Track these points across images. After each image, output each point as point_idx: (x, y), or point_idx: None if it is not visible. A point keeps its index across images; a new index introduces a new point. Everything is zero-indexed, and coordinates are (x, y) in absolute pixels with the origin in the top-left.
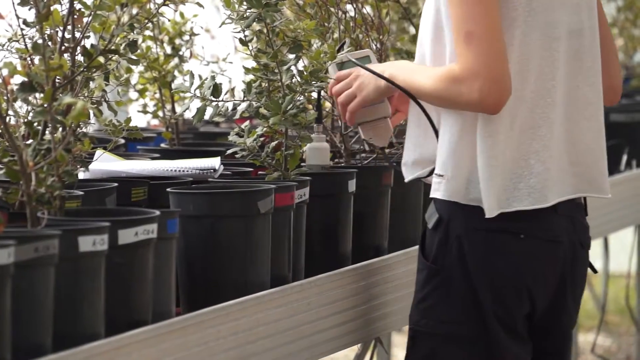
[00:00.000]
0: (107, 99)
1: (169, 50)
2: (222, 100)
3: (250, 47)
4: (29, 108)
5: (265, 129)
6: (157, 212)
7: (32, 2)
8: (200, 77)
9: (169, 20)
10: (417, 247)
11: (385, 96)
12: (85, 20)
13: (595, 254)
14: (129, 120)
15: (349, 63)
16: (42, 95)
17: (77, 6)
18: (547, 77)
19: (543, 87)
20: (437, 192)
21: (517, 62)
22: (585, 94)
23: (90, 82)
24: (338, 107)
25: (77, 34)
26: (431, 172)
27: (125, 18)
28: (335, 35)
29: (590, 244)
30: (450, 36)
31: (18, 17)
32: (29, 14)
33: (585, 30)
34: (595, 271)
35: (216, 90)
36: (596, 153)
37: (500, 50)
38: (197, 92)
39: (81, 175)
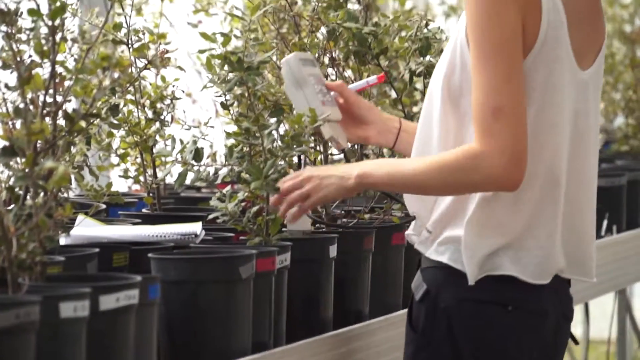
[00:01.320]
0: (88, 164)
1: (150, 114)
2: (204, 165)
3: (232, 111)
4: (10, 173)
5: (246, 193)
6: (139, 278)
7: (13, 66)
8: (181, 141)
9: (150, 84)
10: (399, 312)
11: (350, 196)
12: (66, 84)
13: (575, 320)
14: (110, 185)
15: (300, 65)
16: (23, 159)
17: (59, 70)
18: (559, 156)
19: (555, 165)
20: (423, 247)
21: (530, 137)
22: (586, 174)
23: (72, 147)
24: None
25: (59, 98)
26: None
27: (106, 82)
28: None
29: (573, 315)
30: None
31: None
32: (11, 78)
33: (590, 110)
34: (576, 342)
35: (197, 154)
36: (587, 236)
37: (525, 128)
38: (179, 157)
39: (62, 240)
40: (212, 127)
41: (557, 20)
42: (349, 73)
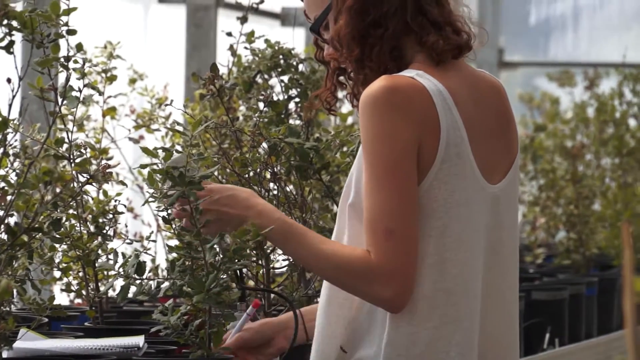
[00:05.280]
0: (30, 277)
1: (92, 228)
2: (146, 279)
3: (174, 225)
4: None
5: (188, 307)
6: None
7: None
8: (124, 255)
9: (92, 199)
10: None
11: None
12: (8, 198)
13: None
14: (52, 298)
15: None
16: None
17: (1, 184)
18: (471, 270)
19: (467, 280)
20: None
21: (436, 254)
22: (500, 286)
23: (14, 260)
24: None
25: (1, 212)
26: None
27: (48, 196)
28: None
29: None
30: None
31: None
32: None
33: (503, 223)
34: None
35: (140, 268)
36: (504, 348)
37: (416, 250)
38: (121, 271)
39: (5, 354)
40: (154, 241)
41: (457, 137)
42: (290, 188)
